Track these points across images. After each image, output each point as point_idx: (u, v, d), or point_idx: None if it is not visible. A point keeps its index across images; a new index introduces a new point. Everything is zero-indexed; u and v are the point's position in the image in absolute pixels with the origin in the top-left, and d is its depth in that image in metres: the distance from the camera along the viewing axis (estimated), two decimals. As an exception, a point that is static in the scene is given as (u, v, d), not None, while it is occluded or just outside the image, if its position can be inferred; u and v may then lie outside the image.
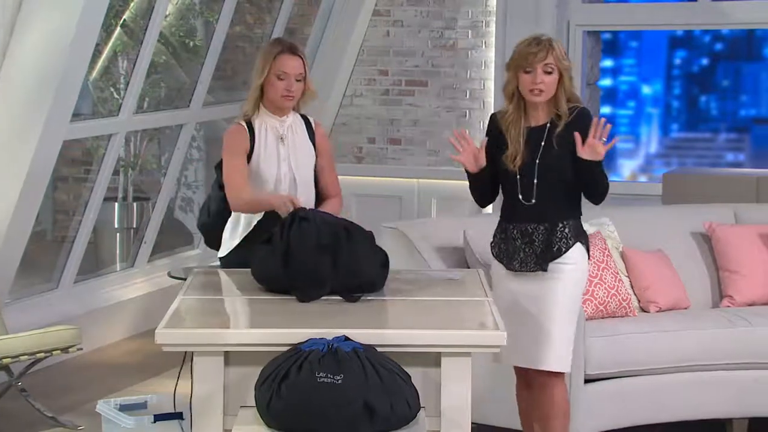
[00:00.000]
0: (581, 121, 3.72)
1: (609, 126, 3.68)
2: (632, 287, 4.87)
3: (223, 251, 3.95)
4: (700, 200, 5.94)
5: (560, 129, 3.75)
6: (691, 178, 6.66)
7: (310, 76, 3.93)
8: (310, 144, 3.95)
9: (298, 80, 3.86)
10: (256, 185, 3.85)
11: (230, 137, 3.88)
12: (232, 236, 3.91)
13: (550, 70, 3.71)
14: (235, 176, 3.81)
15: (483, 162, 3.80)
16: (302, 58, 3.88)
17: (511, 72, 3.77)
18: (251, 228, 3.87)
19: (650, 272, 4.90)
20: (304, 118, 3.99)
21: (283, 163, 3.88)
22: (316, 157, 3.97)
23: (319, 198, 3.98)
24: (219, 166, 3.96)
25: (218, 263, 4.02)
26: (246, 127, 3.87)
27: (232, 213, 3.93)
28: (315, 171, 3.98)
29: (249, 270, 3.54)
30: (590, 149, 3.65)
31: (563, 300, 3.78)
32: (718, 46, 7.88)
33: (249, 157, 3.85)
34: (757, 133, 7.69)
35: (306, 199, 3.87)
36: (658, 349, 4.59)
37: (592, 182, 3.74)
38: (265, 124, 3.89)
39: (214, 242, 4.00)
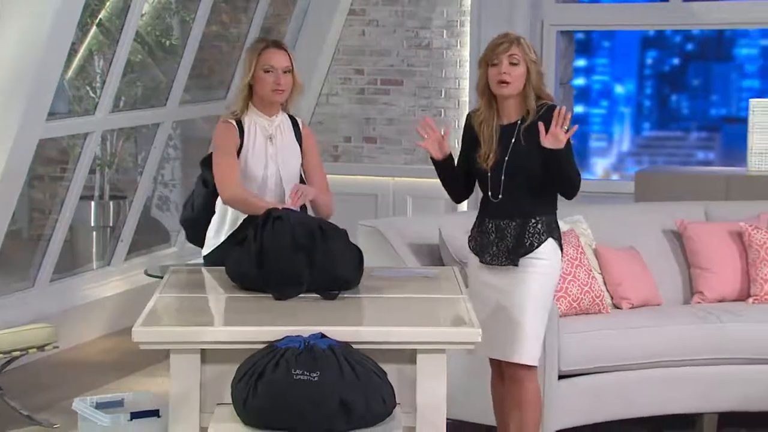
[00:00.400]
0: (547, 117, 3.72)
1: (569, 114, 3.68)
2: (605, 284, 4.89)
3: (206, 249, 3.95)
4: (671, 198, 5.96)
5: (528, 125, 3.76)
6: (662, 176, 6.69)
7: (296, 69, 3.94)
8: (297, 144, 3.96)
9: (285, 73, 3.87)
10: (246, 182, 3.85)
11: (221, 135, 3.88)
12: (216, 234, 3.91)
13: (515, 61, 3.73)
14: (229, 173, 3.80)
15: (447, 150, 3.83)
16: (287, 52, 3.90)
17: (482, 68, 3.81)
18: (236, 227, 3.86)
19: (623, 269, 4.92)
20: (292, 118, 3.99)
21: (270, 161, 3.88)
22: (303, 156, 3.97)
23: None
24: (205, 162, 3.96)
25: (201, 261, 4.02)
26: (236, 124, 3.87)
27: (217, 211, 3.92)
28: (304, 171, 3.98)
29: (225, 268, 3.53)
30: (552, 138, 3.66)
31: (534, 294, 3.79)
32: (689, 46, 7.92)
33: (238, 153, 3.85)
34: (727, 132, 7.74)
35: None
36: (631, 345, 4.61)
37: (560, 174, 3.74)
38: (255, 123, 3.90)
39: (197, 238, 4.01)
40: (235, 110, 3.89)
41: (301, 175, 4.00)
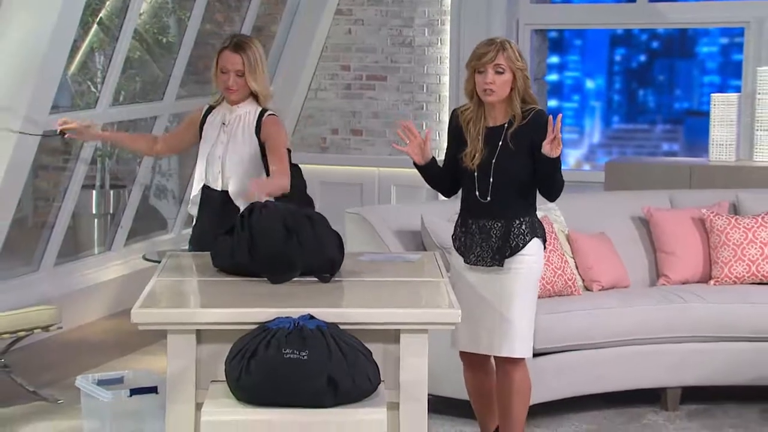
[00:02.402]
0: (536, 122, 3.64)
1: (560, 115, 3.62)
2: (577, 268, 4.89)
3: (192, 208, 4.16)
4: (638, 186, 5.97)
5: (515, 130, 3.68)
6: (630, 166, 6.70)
7: (257, 74, 3.87)
8: (254, 136, 3.94)
9: (239, 75, 3.84)
10: (197, 163, 4.01)
11: (190, 115, 4.12)
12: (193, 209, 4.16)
13: (500, 70, 3.64)
14: (173, 129, 3.97)
15: (429, 154, 3.75)
16: (243, 56, 3.84)
17: (469, 72, 3.72)
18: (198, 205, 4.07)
19: (593, 254, 4.92)
20: (263, 111, 3.96)
21: (219, 146, 3.94)
22: (261, 144, 3.94)
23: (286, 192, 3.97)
24: None
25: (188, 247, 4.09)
26: (204, 110, 4.03)
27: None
28: (265, 158, 3.94)
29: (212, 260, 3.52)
30: (551, 146, 3.57)
31: (522, 291, 3.73)
32: (655, 44, 7.92)
33: (200, 135, 4.03)
34: (690, 124, 7.74)
35: (237, 189, 3.91)
36: (600, 325, 4.61)
37: (551, 178, 3.67)
38: (220, 111, 3.99)
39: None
40: (216, 99, 4.03)
41: (264, 163, 3.94)
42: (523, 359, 3.79)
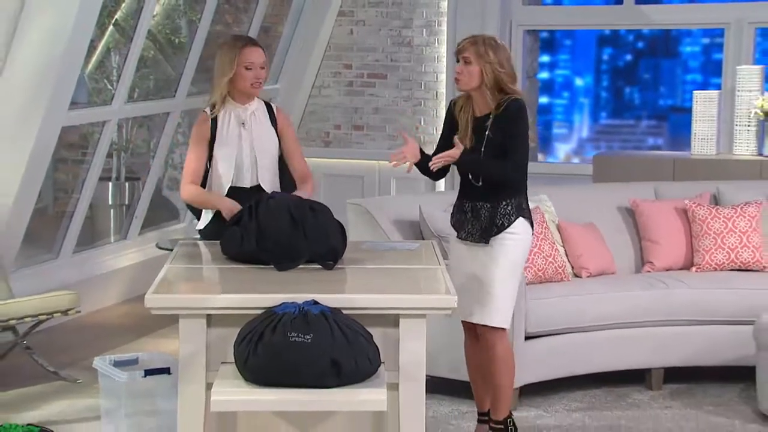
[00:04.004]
0: (506, 111, 3.71)
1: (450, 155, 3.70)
2: (567, 255, 4.88)
3: (201, 224, 3.90)
4: (625, 179, 5.96)
5: (493, 119, 3.73)
6: (617, 159, 6.69)
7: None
8: (272, 129, 3.86)
9: (262, 68, 3.80)
10: (220, 166, 3.77)
11: (195, 127, 3.81)
12: (207, 211, 3.86)
13: (468, 61, 3.71)
14: (190, 168, 3.74)
15: (418, 153, 3.79)
16: (263, 50, 3.83)
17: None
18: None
19: (582, 242, 4.91)
20: (267, 104, 3.91)
21: (244, 144, 3.78)
22: (280, 140, 3.89)
23: (294, 181, 3.91)
24: None
25: (198, 235, 3.98)
26: (209, 114, 3.79)
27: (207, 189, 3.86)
28: (283, 155, 3.90)
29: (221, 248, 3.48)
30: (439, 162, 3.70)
31: (504, 265, 3.77)
32: (640, 44, 7.89)
33: (213, 143, 3.77)
34: (673, 120, 7.72)
35: (269, 181, 3.81)
36: (589, 309, 4.61)
37: (482, 178, 3.75)
38: (229, 112, 3.80)
39: (198, 213, 3.96)
40: (214, 103, 3.79)
41: (280, 157, 3.90)
42: (504, 331, 3.80)
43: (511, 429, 3.88)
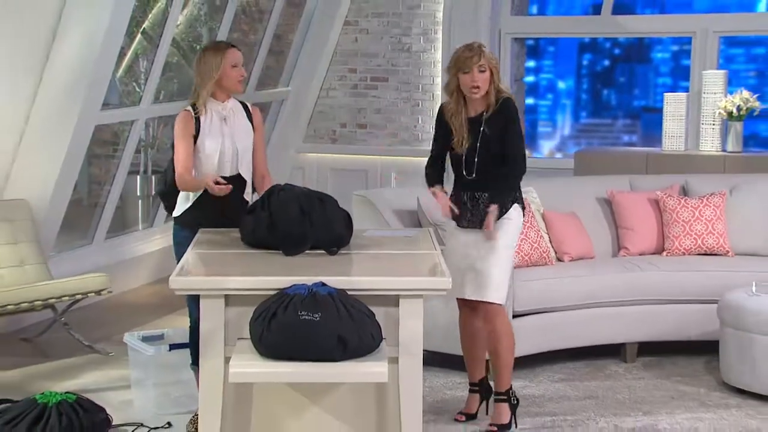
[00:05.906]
0: (504, 109, 3.71)
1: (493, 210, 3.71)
2: (551, 242, 4.86)
3: (177, 212, 3.81)
4: (603, 172, 5.95)
5: (490, 116, 3.73)
6: (596, 155, 6.67)
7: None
8: (249, 124, 3.82)
9: (243, 67, 3.79)
10: (204, 158, 3.72)
11: (180, 123, 3.73)
12: (185, 200, 3.77)
13: (483, 69, 3.69)
14: (182, 159, 3.68)
15: (448, 200, 3.79)
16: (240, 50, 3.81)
17: (452, 73, 3.75)
18: (200, 192, 3.71)
19: (565, 230, 4.90)
20: (242, 103, 3.87)
21: (226, 138, 3.73)
22: (255, 133, 3.84)
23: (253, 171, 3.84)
24: (173, 146, 3.83)
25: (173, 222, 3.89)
26: (192, 112, 3.72)
27: None
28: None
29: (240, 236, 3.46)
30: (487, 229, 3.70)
31: (501, 247, 3.76)
32: (617, 51, 7.85)
33: (196, 137, 3.72)
34: (645, 119, 7.69)
35: (246, 170, 3.77)
36: (570, 290, 4.59)
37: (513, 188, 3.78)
38: (210, 109, 3.75)
39: (170, 206, 3.86)
40: (197, 102, 3.72)
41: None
42: (502, 307, 3.78)
43: (513, 399, 3.86)
